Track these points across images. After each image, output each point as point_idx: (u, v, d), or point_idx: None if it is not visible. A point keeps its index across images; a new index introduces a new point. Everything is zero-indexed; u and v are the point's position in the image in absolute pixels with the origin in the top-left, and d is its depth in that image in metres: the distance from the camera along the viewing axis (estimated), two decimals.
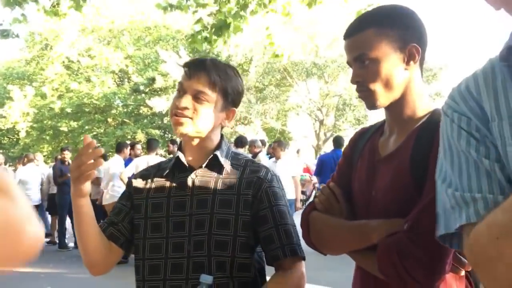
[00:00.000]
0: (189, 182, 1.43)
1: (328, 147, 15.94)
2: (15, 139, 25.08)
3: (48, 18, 6.08)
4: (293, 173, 7.42)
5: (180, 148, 1.49)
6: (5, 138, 26.61)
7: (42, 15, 5.65)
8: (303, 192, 11.77)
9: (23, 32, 23.27)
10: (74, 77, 23.79)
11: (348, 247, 1.29)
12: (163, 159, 3.99)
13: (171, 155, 1.70)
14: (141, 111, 24.11)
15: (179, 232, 1.39)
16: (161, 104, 21.40)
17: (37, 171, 9.03)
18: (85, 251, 1.41)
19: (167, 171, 1.48)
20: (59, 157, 9.02)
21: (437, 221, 0.89)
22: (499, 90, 0.80)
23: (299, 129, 23.50)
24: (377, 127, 1.44)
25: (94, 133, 23.62)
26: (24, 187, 8.62)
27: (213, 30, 5.52)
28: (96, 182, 7.98)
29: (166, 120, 22.62)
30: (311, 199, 3.73)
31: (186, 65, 1.44)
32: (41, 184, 9.25)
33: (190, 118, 1.38)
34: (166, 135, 23.32)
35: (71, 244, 8.78)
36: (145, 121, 23.50)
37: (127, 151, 7.99)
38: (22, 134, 23.33)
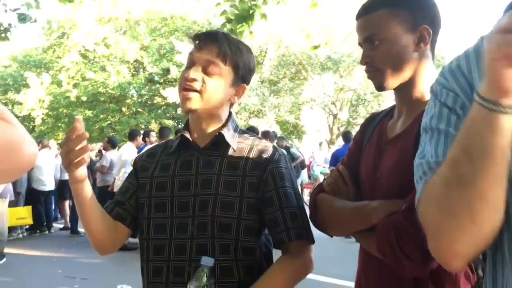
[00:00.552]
0: (194, 162, 1.39)
1: (341, 142, 15.83)
2: (31, 127, 25.32)
3: (64, 6, 6.11)
4: None
5: (186, 127, 1.46)
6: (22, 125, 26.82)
7: (57, 2, 5.66)
8: None
9: (41, 19, 23.49)
10: (90, 66, 23.93)
11: (350, 227, 1.29)
12: None
13: None
14: (155, 101, 24.19)
15: (183, 212, 1.35)
16: (175, 94, 21.40)
17: (52, 157, 9.06)
18: (89, 233, 1.41)
19: (173, 149, 1.44)
20: None
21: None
22: None
23: (313, 123, 23.39)
24: (387, 111, 1.44)
25: (109, 122, 23.78)
26: (39, 172, 8.73)
27: (237, 20, 5.49)
28: (102, 170, 8.08)
29: (179, 110, 22.67)
30: None
31: (197, 37, 1.38)
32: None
33: (198, 92, 1.33)
34: (179, 125, 23.39)
35: (83, 230, 8.87)
36: (159, 111, 23.58)
37: (140, 138, 8.03)
38: (38, 121, 23.55)
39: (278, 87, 23.24)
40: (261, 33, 18.98)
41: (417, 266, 1.05)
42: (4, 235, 6.64)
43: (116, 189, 7.44)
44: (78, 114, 23.11)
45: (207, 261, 1.23)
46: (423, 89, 1.26)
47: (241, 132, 1.46)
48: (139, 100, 24.05)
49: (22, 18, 5.52)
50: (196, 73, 1.33)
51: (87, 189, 1.32)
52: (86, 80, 23.37)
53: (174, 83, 22.81)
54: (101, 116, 23.83)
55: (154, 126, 21.65)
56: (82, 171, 1.26)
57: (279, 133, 15.62)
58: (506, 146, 0.67)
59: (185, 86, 1.33)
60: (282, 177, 1.37)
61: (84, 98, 23.05)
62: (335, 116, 23.00)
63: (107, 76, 23.20)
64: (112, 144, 8.81)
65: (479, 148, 0.68)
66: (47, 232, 9.27)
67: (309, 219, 1.39)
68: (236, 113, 20.45)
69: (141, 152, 1.66)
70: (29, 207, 8.60)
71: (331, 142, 22.36)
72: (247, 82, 1.44)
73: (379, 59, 1.24)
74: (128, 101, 24.34)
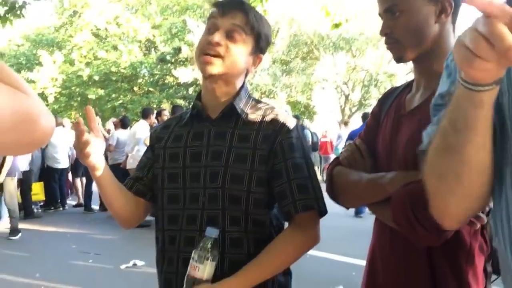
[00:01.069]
0: (206, 133, 1.39)
1: (353, 123, 15.72)
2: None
3: None
4: None
5: (199, 97, 1.45)
6: None
7: None
8: None
9: None
10: (102, 45, 23.96)
11: (366, 199, 1.30)
12: None
13: None
14: (166, 81, 24.21)
15: (195, 183, 1.35)
16: (186, 74, 21.39)
17: (66, 135, 9.07)
18: (113, 212, 1.44)
19: (185, 120, 1.45)
20: None
21: None
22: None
23: (324, 104, 23.24)
24: (405, 85, 1.42)
25: (121, 101, 23.88)
26: (53, 150, 8.82)
27: None
28: (109, 148, 8.15)
29: (191, 90, 22.67)
30: None
31: (221, 3, 1.35)
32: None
33: (221, 57, 1.30)
34: (190, 105, 23.39)
35: (96, 207, 9.01)
36: (171, 91, 23.61)
37: (153, 116, 8.06)
38: (51, 100, 23.72)
39: (289, 67, 23.07)
40: (274, 12, 18.79)
41: (431, 235, 1.04)
42: (15, 212, 6.76)
43: (128, 166, 7.51)
44: (90, 93, 23.25)
45: (212, 232, 1.24)
46: (442, 62, 1.24)
47: (254, 102, 1.44)
48: (151, 79, 24.09)
49: None
50: (220, 37, 1.30)
51: (105, 173, 1.33)
52: (98, 59, 23.43)
53: (185, 62, 22.78)
54: (113, 95, 23.95)
55: (166, 105, 21.70)
56: (94, 160, 1.27)
57: (291, 113, 15.56)
58: (487, 118, 0.75)
59: (208, 50, 1.31)
60: (292, 148, 1.34)
61: (96, 77, 23.15)
62: (347, 97, 22.83)
63: (119, 55, 23.23)
64: (123, 124, 8.87)
65: (463, 120, 0.76)
66: (61, 209, 9.41)
67: (323, 190, 1.38)
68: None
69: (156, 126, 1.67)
70: (41, 183, 8.74)
71: (343, 123, 22.26)
72: (264, 53, 1.43)
73: (399, 31, 1.23)
74: (140, 80, 24.40)
